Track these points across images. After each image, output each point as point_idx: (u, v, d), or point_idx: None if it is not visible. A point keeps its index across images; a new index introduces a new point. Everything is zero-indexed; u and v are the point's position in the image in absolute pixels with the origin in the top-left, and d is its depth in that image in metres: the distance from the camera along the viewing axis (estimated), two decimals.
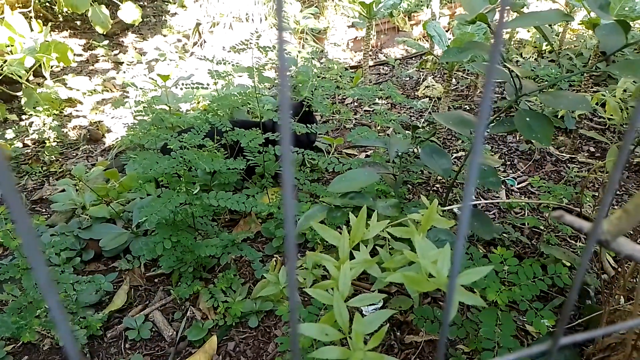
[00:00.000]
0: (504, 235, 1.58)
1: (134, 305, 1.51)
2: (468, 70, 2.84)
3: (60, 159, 2.55)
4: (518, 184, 1.94)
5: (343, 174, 1.12)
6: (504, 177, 1.97)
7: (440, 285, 0.73)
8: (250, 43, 1.42)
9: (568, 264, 1.34)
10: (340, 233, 0.95)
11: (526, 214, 1.74)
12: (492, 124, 1.04)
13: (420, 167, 1.44)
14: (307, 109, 1.76)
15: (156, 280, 1.62)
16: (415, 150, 1.46)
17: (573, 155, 2.11)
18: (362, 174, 1.11)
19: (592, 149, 2.17)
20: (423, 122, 2.37)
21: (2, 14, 3.30)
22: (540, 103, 1.84)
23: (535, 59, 3.10)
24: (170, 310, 1.47)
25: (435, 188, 1.91)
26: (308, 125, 1.63)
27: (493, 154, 2.09)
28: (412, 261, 0.87)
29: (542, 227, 1.60)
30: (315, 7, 3.70)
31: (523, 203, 1.63)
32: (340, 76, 2.70)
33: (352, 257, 0.95)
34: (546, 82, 1.67)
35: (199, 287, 1.43)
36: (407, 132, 1.79)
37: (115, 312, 1.48)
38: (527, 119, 0.89)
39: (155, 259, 1.54)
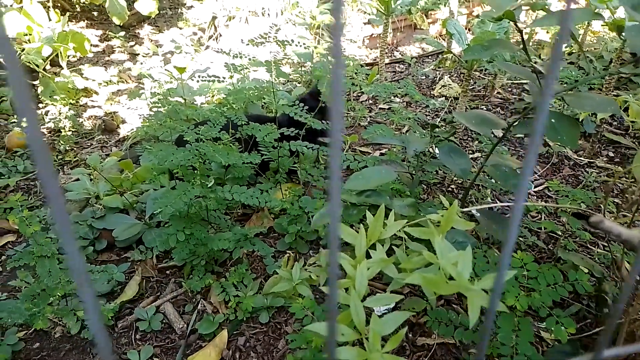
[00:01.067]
0: (520, 239, 1.55)
1: (145, 297, 1.52)
2: (486, 70, 2.81)
3: (75, 148, 2.56)
4: (535, 187, 1.91)
5: (359, 171, 1.11)
6: None
7: (460, 289, 0.71)
8: (269, 36, 1.41)
9: (586, 271, 1.31)
10: (356, 231, 0.94)
11: (543, 218, 1.71)
12: (515, 125, 1.02)
13: (437, 166, 1.42)
14: (322, 104, 1.75)
15: (168, 272, 1.62)
16: (432, 149, 1.44)
17: (592, 160, 2.07)
18: (378, 172, 1.10)
19: (611, 154, 2.13)
20: (440, 121, 2.35)
21: (21, 2, 3.32)
22: (562, 105, 1.81)
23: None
24: (182, 303, 1.47)
25: (450, 189, 1.89)
26: (323, 121, 1.62)
27: (510, 155, 2.06)
28: (430, 263, 0.86)
29: (559, 232, 1.58)
30: (332, 2, 3.67)
31: (540, 207, 1.60)
32: (355, 73, 2.68)
33: (368, 256, 0.94)
34: (565, 84, 1.63)
35: (210, 280, 1.43)
36: (424, 131, 1.76)
37: (126, 303, 1.48)
38: (552, 120, 0.87)
39: (168, 250, 1.54)
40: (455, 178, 1.86)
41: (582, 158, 2.10)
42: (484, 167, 1.09)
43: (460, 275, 0.70)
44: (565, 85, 2.29)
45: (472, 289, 0.68)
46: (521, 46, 0.86)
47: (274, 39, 1.40)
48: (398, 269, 0.97)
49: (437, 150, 1.44)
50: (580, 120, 2.16)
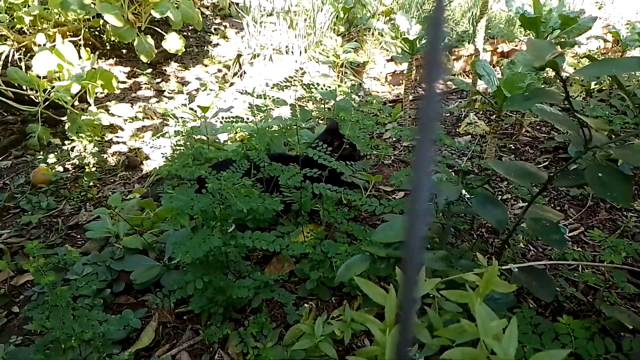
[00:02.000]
0: (557, 289, 1.45)
1: (161, 344, 1.46)
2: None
3: (98, 185, 2.58)
4: (570, 232, 1.81)
5: (388, 222, 1.05)
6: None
7: None
8: (294, 80, 1.39)
9: (630, 327, 1.21)
10: (384, 287, 0.87)
11: (580, 267, 1.61)
12: (556, 176, 0.95)
13: (468, 213, 1.35)
14: (347, 145, 1.71)
15: (185, 317, 1.56)
16: (462, 194, 1.37)
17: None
18: None
19: None
20: (466, 161, 2.28)
21: (54, 41, 3.44)
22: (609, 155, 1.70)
23: (583, 98, 2.97)
24: (198, 352, 1.41)
25: (479, 232, 1.80)
26: (350, 163, 1.58)
27: (542, 198, 1.97)
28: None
29: (601, 284, 1.47)
30: (355, 41, 3.70)
31: (578, 255, 1.50)
32: (379, 110, 2.65)
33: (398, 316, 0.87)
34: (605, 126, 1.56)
35: (228, 330, 1.37)
36: (452, 173, 1.70)
37: (142, 350, 1.43)
38: (600, 174, 0.81)
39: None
40: (484, 222, 1.78)
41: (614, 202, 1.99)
42: (522, 220, 1.02)
43: (505, 352, 0.63)
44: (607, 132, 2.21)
45: None
46: (563, 95, 0.81)
47: (299, 82, 1.38)
48: (430, 329, 0.90)
49: (464, 193, 1.38)
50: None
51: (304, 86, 1.40)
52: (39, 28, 3.74)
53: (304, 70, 1.23)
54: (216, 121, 1.99)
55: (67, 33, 3.89)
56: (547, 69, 0.88)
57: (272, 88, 1.43)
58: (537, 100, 0.82)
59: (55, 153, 2.83)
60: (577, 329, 0.87)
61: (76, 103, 3.26)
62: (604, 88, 3.03)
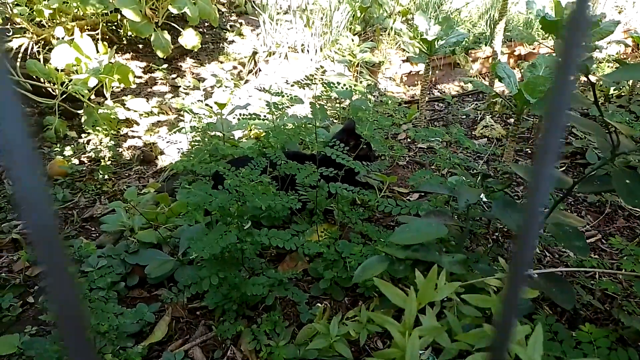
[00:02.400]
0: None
1: (174, 339, 1.46)
2: (530, 112, 2.71)
3: (113, 178, 2.60)
4: (587, 239, 1.79)
5: (406, 224, 1.04)
6: None
7: None
8: (315, 78, 1.39)
9: None
10: (402, 289, 0.87)
11: (598, 275, 1.59)
12: (579, 182, 0.94)
13: (487, 217, 1.34)
14: (364, 146, 1.70)
15: (198, 312, 1.57)
16: (480, 198, 1.36)
17: None
18: (428, 225, 1.03)
19: None
20: (482, 165, 2.26)
21: (73, 35, 3.48)
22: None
23: (601, 104, 2.93)
24: (211, 348, 1.41)
25: (495, 236, 1.79)
26: (366, 163, 1.57)
27: (569, 212, 1.95)
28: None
29: (618, 293, 1.45)
30: (371, 40, 3.69)
31: (596, 263, 1.48)
32: (394, 111, 2.64)
33: (416, 320, 0.86)
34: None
35: (242, 327, 1.37)
36: (470, 177, 1.69)
37: (155, 345, 1.43)
38: (627, 181, 0.79)
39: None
40: (500, 226, 1.76)
41: (637, 209, 1.97)
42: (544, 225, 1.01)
43: (530, 359, 0.62)
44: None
45: None
46: (592, 100, 0.79)
47: (320, 80, 1.38)
48: (449, 333, 0.89)
49: (483, 197, 1.36)
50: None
51: (325, 85, 1.39)
52: (58, 21, 3.78)
53: (325, 69, 1.22)
54: (234, 118, 1.99)
55: (86, 27, 3.93)
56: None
57: (292, 86, 1.43)
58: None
59: (72, 146, 2.86)
60: (598, 337, 0.85)
61: (93, 97, 3.28)
62: (622, 94, 2.98)
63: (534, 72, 1.53)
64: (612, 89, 3.02)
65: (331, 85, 1.42)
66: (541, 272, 0.98)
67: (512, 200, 1.06)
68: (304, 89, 1.41)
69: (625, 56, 3.58)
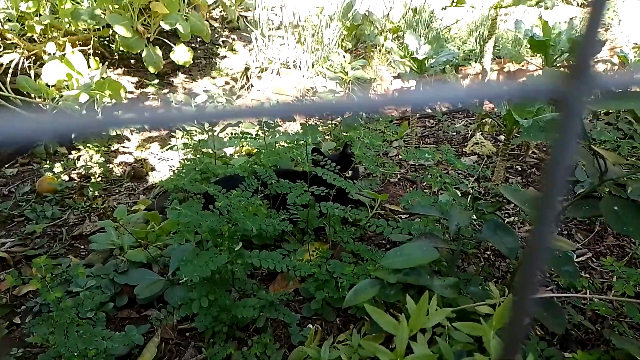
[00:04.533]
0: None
1: None
2: (520, 130, 2.74)
3: (103, 195, 2.57)
4: (577, 257, 1.80)
5: (397, 247, 1.04)
6: None
7: None
8: (306, 99, 1.39)
9: None
10: (393, 314, 0.86)
11: (587, 293, 1.59)
12: (569, 207, 0.95)
13: (478, 239, 1.34)
14: (354, 161, 1.71)
15: (188, 334, 1.54)
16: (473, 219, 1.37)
17: None
18: (419, 248, 1.03)
19: None
20: (472, 182, 2.27)
21: (64, 50, 3.47)
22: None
23: (590, 121, 2.97)
24: None
25: (486, 255, 1.79)
26: (353, 181, 1.58)
27: (561, 236, 1.96)
28: None
29: (609, 313, 1.46)
30: (362, 57, 3.72)
31: (586, 283, 1.49)
32: (385, 128, 2.65)
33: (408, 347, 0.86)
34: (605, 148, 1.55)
35: (232, 350, 1.35)
36: (460, 196, 1.69)
37: None
38: (615, 207, 0.80)
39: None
40: (491, 245, 1.76)
41: None
42: None
43: None
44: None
45: None
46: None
47: (310, 100, 1.39)
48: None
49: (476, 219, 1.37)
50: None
51: None
52: (49, 37, 3.78)
53: (316, 89, 1.22)
54: (225, 136, 1.98)
55: (77, 42, 3.92)
56: None
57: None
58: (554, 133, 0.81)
59: (62, 162, 2.84)
60: None
61: (84, 112, 3.27)
62: (610, 111, 3.03)
63: None
64: None
65: None
66: (536, 297, 0.98)
67: (503, 223, 1.06)
68: None
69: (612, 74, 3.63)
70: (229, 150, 2.67)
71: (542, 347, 0.96)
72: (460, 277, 1.19)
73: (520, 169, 2.47)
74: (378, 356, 0.78)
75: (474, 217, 1.14)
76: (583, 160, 0.87)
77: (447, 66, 2.91)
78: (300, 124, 1.50)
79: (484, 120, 2.22)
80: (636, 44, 3.83)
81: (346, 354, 1.07)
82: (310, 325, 1.49)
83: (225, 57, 4.54)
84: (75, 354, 1.14)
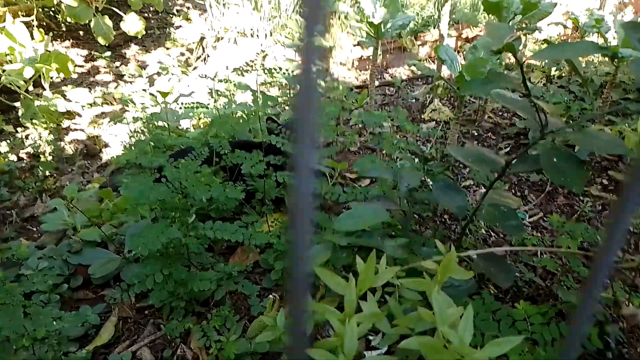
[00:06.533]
0: (517, 275, 1.49)
1: (121, 340, 1.41)
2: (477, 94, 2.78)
3: (55, 174, 2.47)
4: (529, 217, 1.86)
5: (349, 210, 1.04)
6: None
7: (462, 356, 0.64)
8: (255, 64, 1.35)
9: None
10: (346, 277, 0.87)
11: (539, 253, 1.65)
12: (513, 162, 0.96)
13: (430, 200, 1.36)
14: None
15: (146, 312, 1.52)
16: (425, 181, 1.38)
17: (586, 188, 2.03)
18: (369, 210, 1.03)
19: (605, 182, 2.09)
20: (430, 148, 2.29)
21: (4, 22, 3.25)
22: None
23: (544, 84, 3.03)
24: (160, 347, 1.37)
25: (443, 219, 1.83)
26: None
27: (503, 184, 2.01)
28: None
29: (558, 269, 1.52)
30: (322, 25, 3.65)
31: (536, 241, 1.54)
32: (345, 97, 2.63)
33: (358, 307, 0.87)
34: (563, 111, 1.59)
35: (191, 324, 1.34)
36: (415, 159, 1.71)
37: (101, 348, 1.38)
38: (555, 159, 0.81)
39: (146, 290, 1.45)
40: (447, 209, 1.79)
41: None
42: (481, 207, 1.03)
43: (461, 341, 0.63)
44: (565, 118, 2.26)
45: (475, 359, 0.61)
46: (521, 80, 0.81)
47: (260, 66, 1.35)
48: (391, 317, 0.90)
49: (430, 182, 1.38)
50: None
51: (266, 70, 1.36)
52: None
53: (266, 53, 1.19)
54: (179, 107, 1.92)
55: (19, 13, 3.69)
56: (510, 53, 0.88)
57: (232, 72, 1.39)
58: (495, 85, 0.82)
59: (8, 141, 2.69)
60: (533, 314, 0.89)
61: (31, 88, 3.10)
62: (563, 75, 3.10)
63: (475, 53, 1.55)
64: (553, 69, 3.12)
65: (273, 70, 1.39)
66: (480, 253, 1.00)
67: (452, 183, 1.07)
68: (243, 75, 1.37)
69: (565, 37, 3.71)
70: (186, 124, 2.60)
71: (490, 300, 0.99)
72: (414, 240, 1.20)
73: (476, 133, 2.51)
74: (327, 317, 0.78)
75: (425, 178, 1.15)
76: (526, 114, 0.88)
77: (403, 31, 2.88)
78: (251, 91, 1.46)
79: (437, 83, 2.23)
80: (588, 8, 3.90)
81: None
82: (270, 296, 1.48)
83: (180, 26, 4.37)
84: (24, 336, 1.10)
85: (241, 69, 1.36)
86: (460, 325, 0.65)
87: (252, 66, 1.36)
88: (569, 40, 3.57)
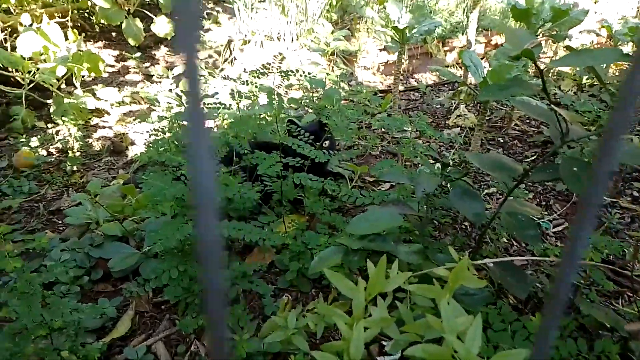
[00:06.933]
0: (538, 285, 1.44)
1: (137, 334, 1.44)
2: (503, 101, 2.72)
3: (82, 170, 2.53)
4: (553, 227, 1.81)
5: (364, 213, 1.03)
6: (538, 218, 1.84)
7: None
8: (272, 67, 1.36)
9: (608, 326, 1.21)
10: (355, 283, 0.86)
11: None
12: (533, 171, 0.93)
13: (448, 206, 1.33)
14: (328, 134, 1.69)
15: (163, 307, 1.54)
16: (444, 186, 1.36)
17: (614, 199, 1.96)
18: (384, 214, 1.02)
19: (635, 194, 2.02)
20: (453, 154, 2.26)
21: (41, 22, 3.37)
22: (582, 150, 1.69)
23: (574, 93, 2.95)
24: (175, 343, 1.39)
25: (463, 226, 1.79)
26: (328, 151, 1.56)
27: (527, 193, 1.96)
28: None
29: (580, 282, 1.47)
30: (347, 29, 3.65)
31: (559, 251, 1.49)
32: (368, 101, 2.62)
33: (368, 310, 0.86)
34: (587, 119, 1.54)
35: (204, 321, 1.35)
36: (436, 164, 1.68)
37: (117, 340, 1.41)
38: (575, 168, 0.79)
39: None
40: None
41: (603, 197, 1.99)
42: (498, 214, 1.00)
43: (467, 351, 0.61)
44: (587, 119, 2.20)
45: None
46: (541, 87, 0.78)
47: (277, 69, 1.35)
48: (402, 323, 0.88)
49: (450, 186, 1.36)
50: None
51: (282, 73, 1.36)
52: (26, 8, 3.66)
53: (284, 56, 1.19)
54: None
55: (55, 14, 3.81)
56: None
57: (248, 75, 1.40)
58: (512, 90, 0.79)
59: (39, 136, 2.78)
60: None
61: (63, 86, 3.19)
62: (595, 83, 3.01)
63: (500, 59, 1.52)
64: (584, 78, 3.04)
65: (290, 73, 1.40)
66: (497, 262, 0.98)
67: (470, 189, 1.05)
68: (259, 78, 1.38)
69: (599, 45, 3.61)
70: (209, 124, 2.63)
71: (506, 311, 0.96)
72: (430, 246, 1.18)
73: (502, 140, 2.46)
74: (335, 320, 0.78)
75: (443, 184, 1.13)
76: (548, 122, 0.85)
77: (428, 37, 2.85)
78: (267, 94, 1.47)
79: (459, 89, 2.19)
80: (623, 16, 3.79)
81: (313, 322, 1.06)
82: (284, 296, 1.49)
83: (209, 29, 4.44)
84: (42, 326, 1.13)
85: (257, 71, 1.37)
86: (468, 334, 0.63)
87: (268, 69, 1.36)
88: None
